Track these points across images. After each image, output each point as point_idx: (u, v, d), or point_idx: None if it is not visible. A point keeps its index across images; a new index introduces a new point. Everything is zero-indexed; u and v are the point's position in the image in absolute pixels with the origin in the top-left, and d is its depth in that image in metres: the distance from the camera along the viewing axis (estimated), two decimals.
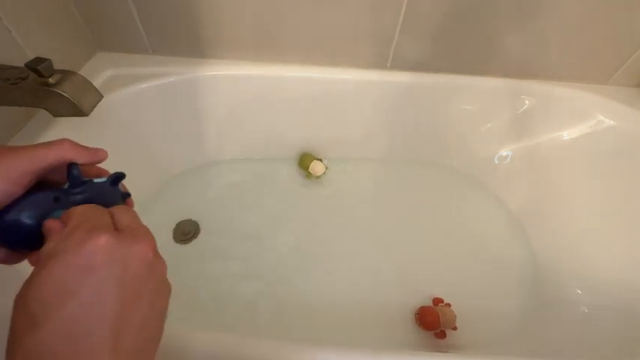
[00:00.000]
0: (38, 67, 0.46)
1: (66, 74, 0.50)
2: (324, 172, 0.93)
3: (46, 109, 0.51)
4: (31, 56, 0.49)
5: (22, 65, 0.48)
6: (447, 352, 0.69)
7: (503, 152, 0.95)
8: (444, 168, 1.02)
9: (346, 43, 0.78)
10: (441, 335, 0.71)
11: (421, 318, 0.72)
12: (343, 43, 0.78)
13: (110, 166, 0.72)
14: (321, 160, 0.94)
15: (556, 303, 0.76)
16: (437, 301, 0.76)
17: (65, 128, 0.62)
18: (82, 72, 0.71)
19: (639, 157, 0.76)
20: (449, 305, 0.75)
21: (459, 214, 0.95)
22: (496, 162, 0.96)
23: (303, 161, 0.95)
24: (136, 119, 0.77)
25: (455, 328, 0.71)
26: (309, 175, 0.94)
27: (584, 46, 0.77)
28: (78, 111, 0.51)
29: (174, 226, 0.85)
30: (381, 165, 1.02)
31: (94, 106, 0.53)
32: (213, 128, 0.91)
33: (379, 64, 0.82)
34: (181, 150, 0.91)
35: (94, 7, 0.72)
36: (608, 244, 0.76)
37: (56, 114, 0.52)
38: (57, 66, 0.49)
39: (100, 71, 0.75)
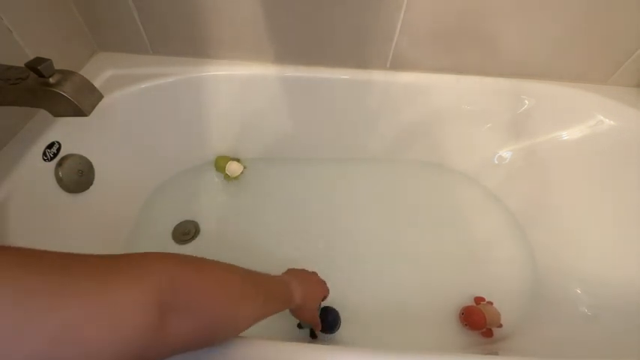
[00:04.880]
0: (38, 67, 0.46)
1: (66, 74, 0.50)
2: (242, 172, 0.92)
3: (46, 109, 0.51)
4: (31, 56, 0.49)
5: (23, 65, 0.48)
6: (496, 353, 0.68)
7: (503, 152, 0.95)
8: (443, 168, 1.02)
9: (346, 43, 0.78)
10: (488, 334, 0.71)
11: (467, 318, 0.72)
12: (343, 43, 0.78)
13: (110, 166, 0.73)
14: (238, 161, 0.93)
15: (556, 303, 0.76)
16: (479, 299, 0.76)
17: (65, 128, 0.62)
18: (82, 72, 0.71)
19: (639, 157, 0.76)
20: (491, 303, 0.75)
21: (457, 214, 0.95)
22: (496, 162, 0.96)
23: (218, 163, 0.93)
24: (135, 119, 0.77)
25: (500, 326, 0.72)
26: (227, 176, 0.93)
27: (584, 46, 0.78)
28: (78, 111, 0.50)
29: (174, 226, 0.85)
30: (380, 165, 1.02)
31: (94, 106, 0.53)
32: (214, 128, 0.91)
33: (379, 64, 0.82)
34: (181, 150, 0.91)
35: (94, 7, 0.72)
36: (608, 244, 0.76)
37: (56, 114, 0.52)
38: (57, 66, 0.49)
39: (100, 71, 0.75)
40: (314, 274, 0.60)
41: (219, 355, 0.37)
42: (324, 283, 0.61)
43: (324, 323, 0.66)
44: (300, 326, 0.70)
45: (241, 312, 0.35)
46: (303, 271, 0.57)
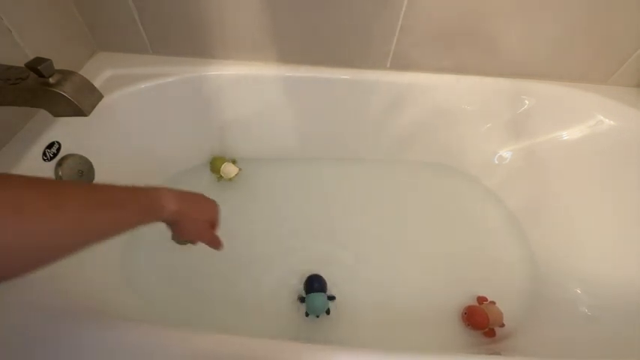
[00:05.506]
0: (38, 67, 0.46)
1: (66, 74, 0.50)
2: (237, 174, 0.91)
3: (46, 109, 0.51)
4: (31, 56, 0.49)
5: (23, 65, 0.48)
6: (498, 353, 0.68)
7: (503, 152, 0.95)
8: (443, 168, 1.02)
9: (346, 43, 0.78)
10: (491, 334, 0.71)
11: (469, 318, 0.72)
12: (343, 43, 0.78)
13: (110, 166, 0.73)
14: (234, 162, 0.93)
15: (556, 303, 0.76)
16: (482, 299, 0.76)
17: (65, 128, 0.62)
18: (82, 72, 0.71)
19: (639, 157, 0.77)
20: (494, 303, 0.75)
21: (458, 214, 0.95)
22: (496, 162, 0.96)
23: (214, 164, 0.93)
24: (135, 119, 0.77)
25: (502, 325, 0.72)
26: (220, 178, 0.92)
27: (584, 46, 0.78)
28: (78, 111, 0.51)
29: None
30: (380, 165, 1.02)
31: (94, 106, 0.53)
32: (213, 128, 0.91)
33: (379, 64, 0.82)
34: (181, 150, 0.91)
35: (94, 7, 0.72)
36: (608, 244, 0.76)
37: (56, 114, 0.52)
38: (57, 66, 0.49)
39: (100, 71, 0.75)
40: (200, 193, 0.52)
41: (219, 354, 0.37)
42: (213, 201, 0.54)
43: (312, 290, 0.71)
44: (307, 314, 0.72)
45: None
46: (183, 190, 0.48)
